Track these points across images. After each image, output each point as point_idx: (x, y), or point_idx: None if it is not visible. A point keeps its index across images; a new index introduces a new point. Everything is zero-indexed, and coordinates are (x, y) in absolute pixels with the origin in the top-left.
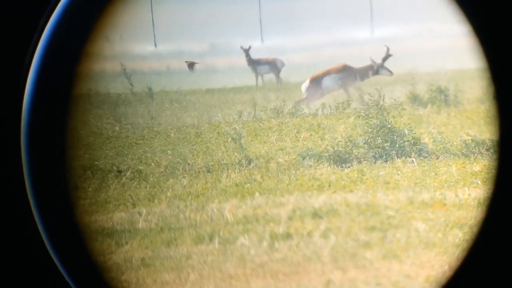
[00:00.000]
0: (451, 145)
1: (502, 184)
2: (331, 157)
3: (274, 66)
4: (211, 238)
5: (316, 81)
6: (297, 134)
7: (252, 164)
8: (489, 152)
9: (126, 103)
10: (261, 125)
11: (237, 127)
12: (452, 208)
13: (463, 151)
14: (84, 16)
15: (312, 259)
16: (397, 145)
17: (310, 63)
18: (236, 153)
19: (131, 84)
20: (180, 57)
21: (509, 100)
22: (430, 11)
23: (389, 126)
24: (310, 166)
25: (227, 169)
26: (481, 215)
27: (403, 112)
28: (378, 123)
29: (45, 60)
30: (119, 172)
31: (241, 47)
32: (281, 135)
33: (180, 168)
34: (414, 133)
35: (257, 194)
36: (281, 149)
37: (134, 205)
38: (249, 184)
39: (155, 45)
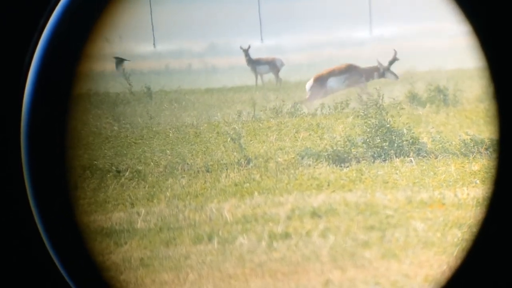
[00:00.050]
0: (450, 145)
1: (501, 184)
2: (330, 156)
3: (273, 65)
4: (210, 238)
5: (320, 80)
6: (296, 133)
7: (251, 164)
8: (488, 152)
9: (125, 102)
10: (260, 124)
11: (236, 127)
12: (451, 207)
13: (462, 150)
14: (84, 16)
15: (311, 258)
16: (396, 145)
17: (310, 63)
18: (235, 153)
19: (130, 84)
20: (180, 57)
21: (509, 100)
22: (430, 10)
23: (388, 125)
24: (309, 165)
25: (226, 169)
26: (480, 214)
27: (402, 112)
28: (377, 122)
29: (45, 60)
30: (118, 172)
31: (241, 47)
32: (280, 135)
33: (179, 168)
34: (413, 132)
35: (256, 193)
36: (280, 149)
37: (133, 205)
38: (248, 184)
39: (154, 45)
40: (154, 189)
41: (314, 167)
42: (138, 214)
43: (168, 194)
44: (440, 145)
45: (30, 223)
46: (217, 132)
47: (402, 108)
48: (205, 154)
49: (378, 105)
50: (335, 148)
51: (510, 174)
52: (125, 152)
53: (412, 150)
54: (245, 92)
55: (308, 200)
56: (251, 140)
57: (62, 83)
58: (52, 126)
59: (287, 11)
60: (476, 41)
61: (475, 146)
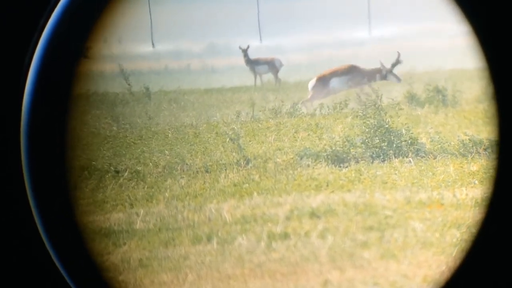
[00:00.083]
0: (448, 145)
1: (501, 184)
2: (329, 157)
3: (272, 66)
4: (209, 239)
5: (323, 80)
6: (295, 134)
7: (250, 164)
8: (486, 152)
9: (124, 103)
10: (259, 125)
11: (235, 127)
12: (450, 208)
13: (460, 151)
14: (84, 16)
15: (309, 259)
16: (395, 145)
17: (309, 63)
18: (234, 153)
19: (129, 84)
20: (179, 57)
21: (508, 100)
22: (430, 10)
23: (387, 126)
24: (308, 166)
25: (225, 169)
26: (479, 215)
27: (401, 112)
28: (376, 123)
29: (44, 60)
30: (117, 172)
31: (240, 47)
32: (279, 135)
33: (178, 168)
34: (412, 133)
35: (255, 194)
36: (279, 149)
37: (131, 206)
38: (247, 184)
39: (153, 45)
40: (153, 190)
41: (313, 168)
42: (137, 214)
43: (167, 194)
44: (439, 146)
45: (30, 223)
46: (216, 133)
47: (401, 109)
48: (204, 155)
49: (377, 105)
50: (334, 148)
51: (509, 174)
52: (124, 152)
53: (411, 150)
54: (244, 93)
55: (307, 201)
56: (250, 141)
57: (62, 83)
58: (52, 126)
59: (287, 11)
60: (476, 41)
61: (474, 147)
